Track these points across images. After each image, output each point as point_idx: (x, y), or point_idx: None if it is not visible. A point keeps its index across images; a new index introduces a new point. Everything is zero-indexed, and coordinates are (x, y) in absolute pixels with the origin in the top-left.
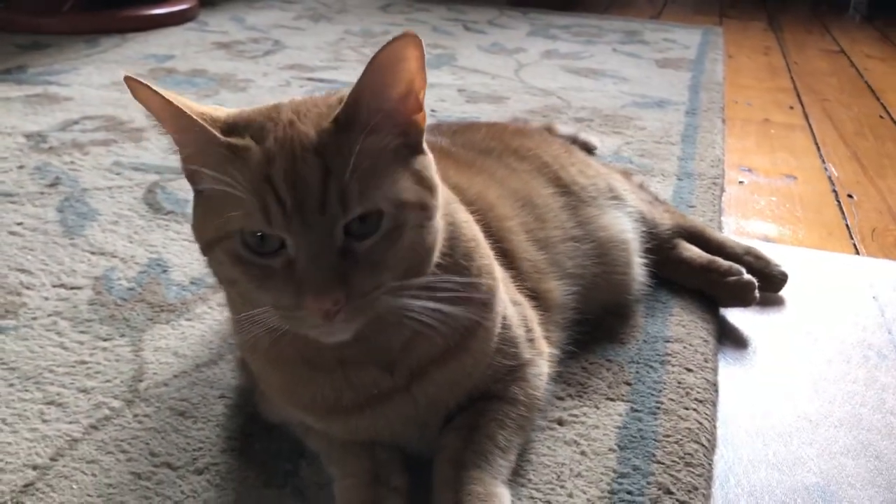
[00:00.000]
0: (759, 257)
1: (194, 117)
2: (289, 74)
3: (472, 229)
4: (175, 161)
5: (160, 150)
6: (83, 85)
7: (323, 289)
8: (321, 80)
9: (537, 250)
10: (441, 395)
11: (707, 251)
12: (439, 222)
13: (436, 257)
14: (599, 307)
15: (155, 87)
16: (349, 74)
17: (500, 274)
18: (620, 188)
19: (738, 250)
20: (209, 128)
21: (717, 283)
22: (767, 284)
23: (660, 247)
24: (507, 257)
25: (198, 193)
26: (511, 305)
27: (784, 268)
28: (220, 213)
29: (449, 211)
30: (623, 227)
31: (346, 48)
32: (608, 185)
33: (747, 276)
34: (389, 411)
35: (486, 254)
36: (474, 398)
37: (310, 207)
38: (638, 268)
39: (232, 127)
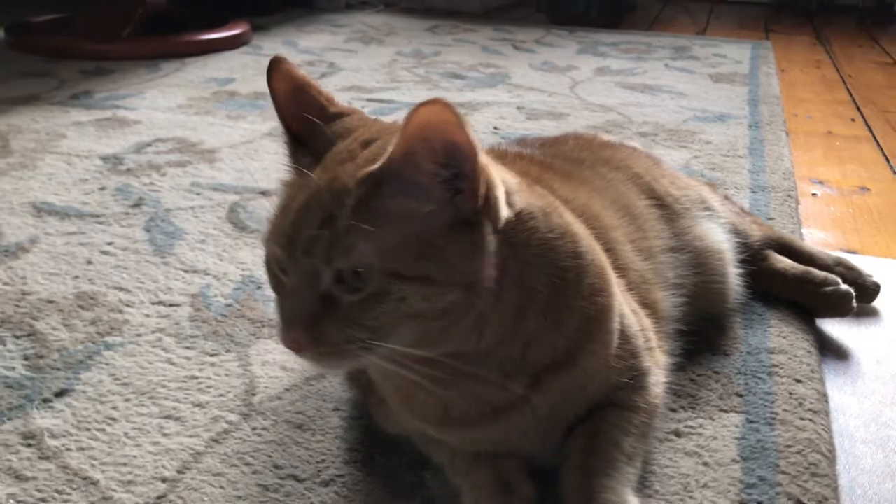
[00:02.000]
0: (850, 268)
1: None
2: (349, 96)
3: (578, 245)
4: (251, 181)
5: (235, 171)
6: (150, 108)
7: (288, 325)
8: (381, 101)
9: (642, 261)
10: (558, 406)
11: (797, 262)
12: (478, 302)
13: (474, 333)
14: (699, 318)
15: (293, 67)
16: (407, 95)
17: (616, 289)
18: (711, 199)
19: (828, 261)
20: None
21: (813, 293)
22: (861, 295)
23: (752, 258)
24: (617, 268)
25: None
26: (630, 315)
27: (875, 278)
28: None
29: (553, 226)
30: (718, 237)
31: (400, 69)
32: (700, 196)
33: (844, 287)
34: (506, 423)
35: (596, 272)
36: (594, 408)
37: (300, 246)
38: (734, 278)
39: (334, 122)
